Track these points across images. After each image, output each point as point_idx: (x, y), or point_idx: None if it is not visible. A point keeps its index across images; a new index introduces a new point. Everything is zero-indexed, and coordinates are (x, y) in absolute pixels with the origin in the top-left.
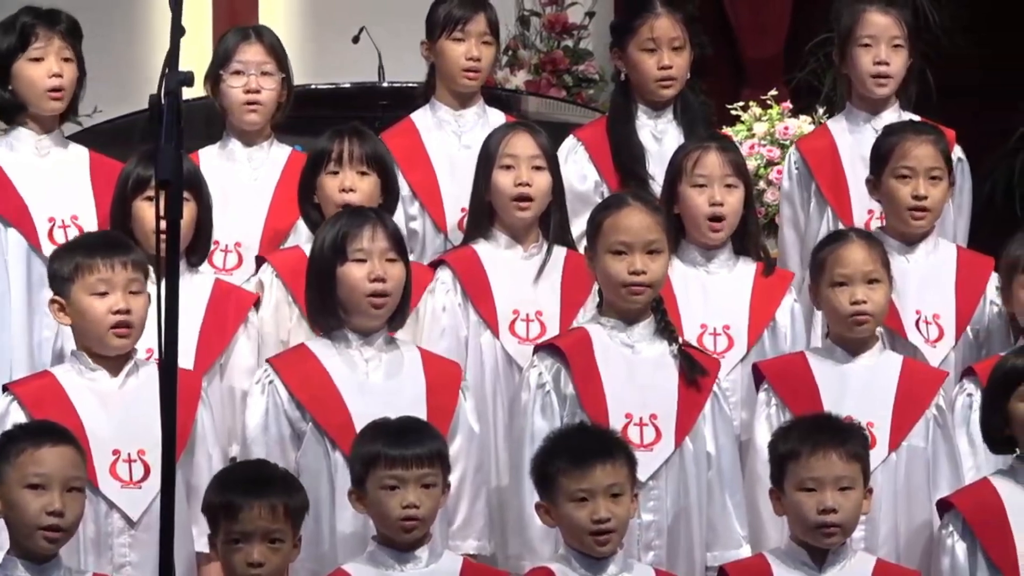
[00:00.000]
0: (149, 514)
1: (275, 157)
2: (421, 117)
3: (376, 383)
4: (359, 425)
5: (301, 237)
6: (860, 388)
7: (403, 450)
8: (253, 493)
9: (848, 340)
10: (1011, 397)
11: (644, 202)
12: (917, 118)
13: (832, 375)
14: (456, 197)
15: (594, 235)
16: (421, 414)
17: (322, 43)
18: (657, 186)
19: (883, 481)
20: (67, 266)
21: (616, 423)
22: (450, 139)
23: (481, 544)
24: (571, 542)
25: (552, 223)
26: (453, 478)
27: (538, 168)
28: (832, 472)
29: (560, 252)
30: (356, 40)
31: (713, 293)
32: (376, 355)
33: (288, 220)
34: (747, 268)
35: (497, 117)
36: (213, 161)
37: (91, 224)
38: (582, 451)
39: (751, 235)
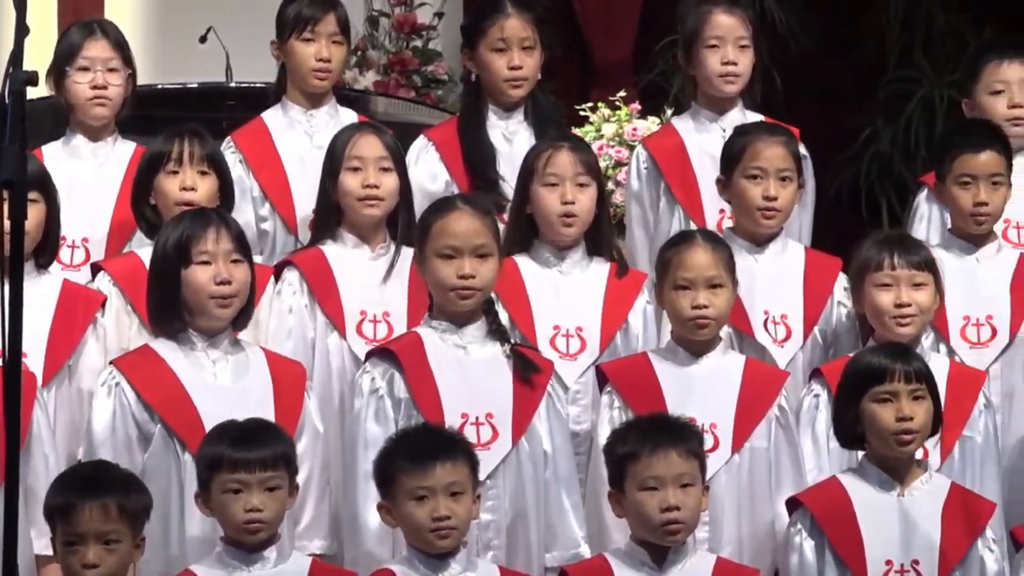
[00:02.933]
0: None
1: (120, 153)
2: (272, 117)
3: (224, 384)
4: (208, 426)
5: (132, 242)
6: (703, 389)
7: (246, 453)
8: (86, 494)
9: (691, 341)
10: (863, 396)
11: (472, 205)
12: (762, 118)
13: (675, 376)
14: (307, 197)
15: (423, 238)
16: (269, 415)
17: (169, 42)
18: (508, 186)
19: (726, 482)
20: None
21: (452, 423)
22: (301, 139)
23: (327, 544)
24: (412, 541)
25: (400, 224)
26: (299, 478)
27: (385, 169)
28: (673, 470)
29: (408, 253)
30: (203, 40)
31: (566, 294)
32: (223, 356)
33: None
34: (600, 269)
35: (349, 117)
36: (57, 157)
37: None
38: (422, 450)
39: (604, 235)
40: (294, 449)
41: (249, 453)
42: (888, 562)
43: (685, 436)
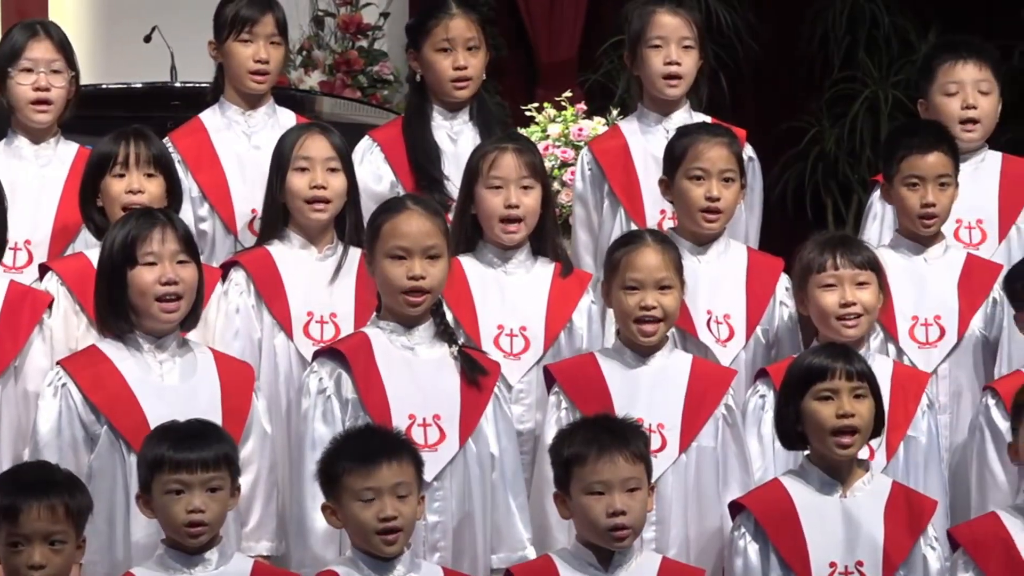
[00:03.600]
0: None
1: (63, 154)
2: (210, 117)
3: (172, 385)
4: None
5: (79, 243)
6: (650, 389)
7: (188, 454)
8: (32, 494)
9: (637, 342)
10: (806, 396)
11: (423, 206)
12: (709, 119)
13: (622, 377)
14: (246, 198)
15: (373, 239)
16: (216, 416)
17: (114, 42)
18: (452, 187)
19: (673, 482)
20: None
21: (399, 424)
22: (240, 140)
23: (274, 545)
24: (358, 543)
25: (347, 224)
26: (246, 480)
27: (333, 170)
28: (619, 475)
29: (355, 253)
30: (148, 39)
31: (510, 294)
32: (170, 358)
33: (77, 217)
34: (545, 269)
35: (288, 117)
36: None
37: None
38: (368, 451)
39: (548, 236)
40: (235, 450)
41: (191, 454)
42: (832, 564)
43: (631, 439)
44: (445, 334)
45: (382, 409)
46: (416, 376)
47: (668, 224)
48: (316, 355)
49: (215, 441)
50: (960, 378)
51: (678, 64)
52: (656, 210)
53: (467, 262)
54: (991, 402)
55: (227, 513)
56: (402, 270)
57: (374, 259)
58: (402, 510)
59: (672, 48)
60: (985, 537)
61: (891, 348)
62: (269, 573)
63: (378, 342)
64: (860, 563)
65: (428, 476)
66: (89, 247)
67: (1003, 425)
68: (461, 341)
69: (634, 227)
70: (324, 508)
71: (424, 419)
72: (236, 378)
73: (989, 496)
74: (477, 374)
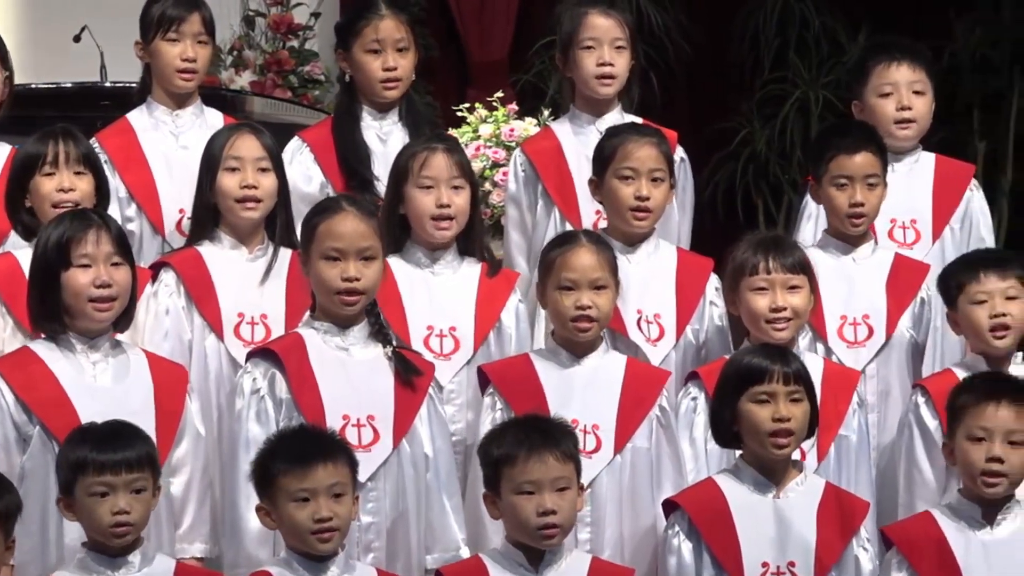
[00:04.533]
0: None
1: None
2: (137, 117)
3: (104, 386)
4: None
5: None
6: (584, 390)
7: (112, 455)
8: None
9: (572, 342)
10: (741, 396)
11: (358, 207)
12: (640, 120)
13: (557, 377)
14: (174, 198)
15: (308, 239)
16: (150, 417)
17: (43, 42)
18: (382, 187)
19: (608, 483)
20: None
21: (333, 425)
22: (167, 140)
23: (208, 547)
24: (292, 543)
25: (278, 225)
26: (180, 481)
27: (264, 170)
28: (549, 474)
29: (286, 254)
30: (78, 39)
31: (439, 294)
32: (103, 358)
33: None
34: (472, 269)
35: (215, 118)
36: None
37: None
38: (303, 451)
39: (476, 236)
40: (156, 450)
41: (115, 455)
42: (764, 564)
43: (561, 439)
44: (380, 335)
45: (316, 409)
46: (350, 377)
47: (603, 224)
48: (250, 355)
49: (137, 441)
50: (888, 377)
51: (611, 65)
52: (591, 210)
53: (395, 263)
54: (920, 400)
55: (150, 513)
56: (337, 271)
57: (309, 260)
58: (337, 511)
59: (605, 49)
60: (919, 537)
61: (820, 347)
62: (193, 574)
63: (312, 343)
64: (792, 564)
65: (362, 477)
66: (20, 247)
67: (932, 423)
68: (395, 342)
69: (569, 228)
70: (258, 509)
71: (358, 420)
72: (169, 379)
73: (917, 494)
74: (411, 375)
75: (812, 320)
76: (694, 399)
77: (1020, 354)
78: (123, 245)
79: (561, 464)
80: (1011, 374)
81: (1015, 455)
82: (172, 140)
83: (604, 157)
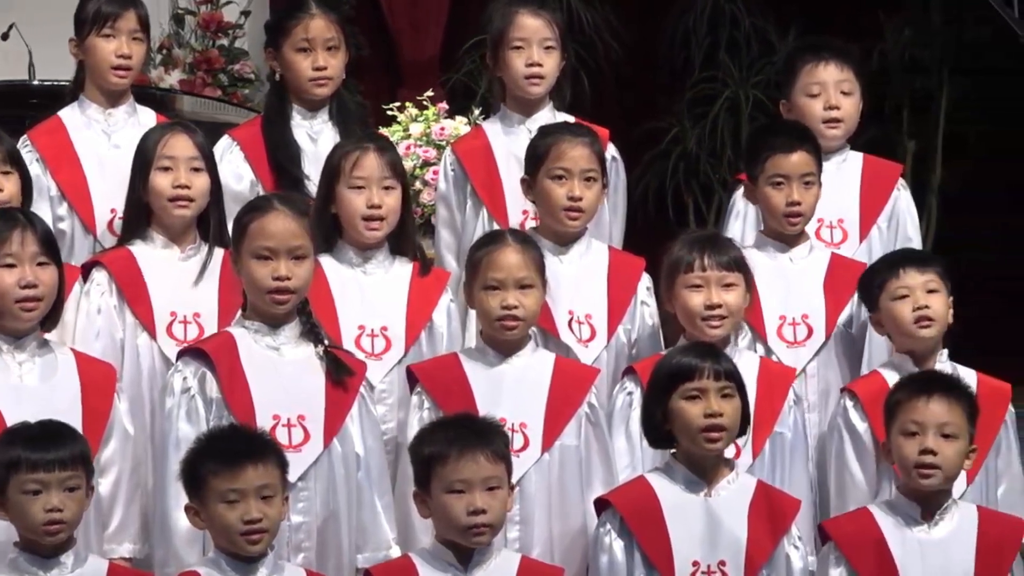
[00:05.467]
0: None
1: None
2: (69, 115)
3: (31, 386)
4: None
5: None
6: (513, 389)
7: (44, 454)
8: None
9: (500, 341)
10: (672, 393)
11: (289, 206)
12: (571, 119)
13: (485, 376)
14: (106, 197)
15: (239, 238)
16: (77, 417)
17: None
18: (312, 186)
19: (537, 481)
20: None
21: (264, 424)
22: (100, 138)
23: (136, 547)
24: (221, 544)
25: (210, 224)
26: (108, 481)
27: (196, 169)
28: (480, 473)
29: (219, 253)
30: (5, 37)
31: (370, 294)
32: (29, 358)
33: None
34: (403, 268)
35: (148, 116)
36: None
37: None
38: (232, 452)
39: (407, 235)
40: (89, 449)
41: (47, 453)
42: (695, 563)
43: (493, 438)
44: (311, 334)
45: (246, 409)
46: (281, 376)
47: (531, 224)
48: (180, 354)
49: (70, 440)
50: (828, 376)
51: (539, 65)
52: (518, 210)
53: (326, 262)
54: (849, 404)
55: (83, 513)
56: (268, 270)
57: (240, 258)
58: (267, 511)
59: (534, 49)
60: (856, 532)
61: (759, 348)
62: (125, 575)
63: (243, 342)
64: (723, 562)
65: (292, 476)
66: None
67: (861, 426)
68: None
69: (497, 227)
70: (187, 509)
71: (289, 419)
72: (97, 378)
73: (848, 497)
74: (343, 374)
75: (752, 321)
76: (630, 394)
77: (946, 351)
78: (49, 245)
79: (492, 464)
80: (942, 371)
81: (948, 448)
82: (104, 139)
83: (537, 157)
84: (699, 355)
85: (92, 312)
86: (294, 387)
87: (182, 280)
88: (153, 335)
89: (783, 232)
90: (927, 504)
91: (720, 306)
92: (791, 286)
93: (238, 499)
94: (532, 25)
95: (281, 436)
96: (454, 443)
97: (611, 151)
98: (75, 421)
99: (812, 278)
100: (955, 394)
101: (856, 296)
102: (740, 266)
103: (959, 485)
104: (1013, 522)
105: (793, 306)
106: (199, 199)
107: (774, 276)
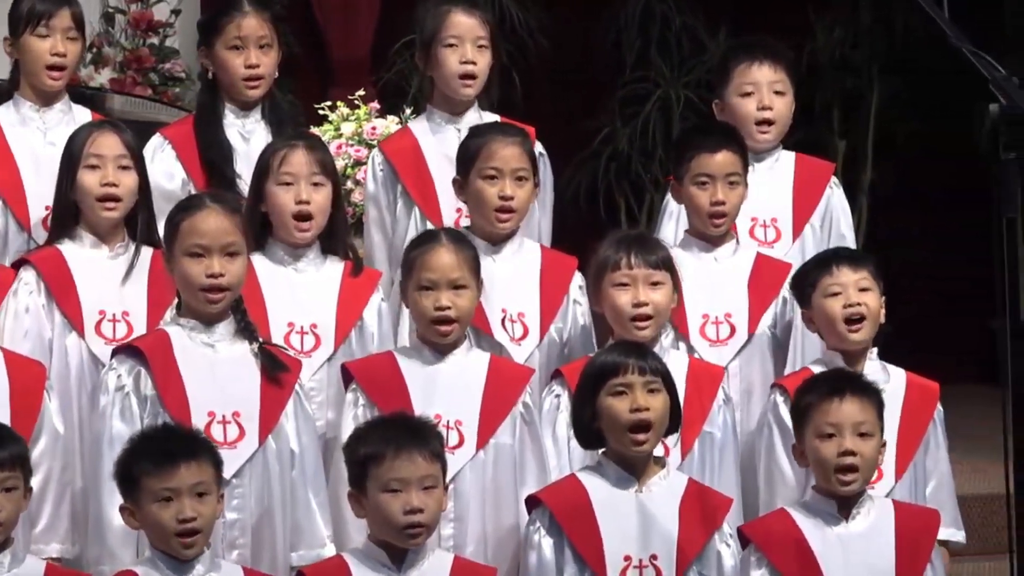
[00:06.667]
0: None
1: None
2: (4, 114)
3: None
4: None
5: None
6: (448, 387)
7: None
8: None
9: (435, 341)
10: (600, 392)
11: (222, 203)
12: (499, 118)
13: (421, 375)
14: (41, 195)
15: (171, 237)
16: (5, 416)
17: None
18: (245, 185)
19: (471, 479)
20: None
21: (199, 422)
22: (35, 136)
23: (65, 547)
24: (157, 544)
25: (139, 223)
26: (37, 480)
27: (124, 168)
28: (417, 473)
29: (147, 252)
30: None
31: (300, 292)
32: None
33: None
34: (335, 267)
35: (83, 115)
36: None
37: None
38: (166, 451)
39: (339, 234)
40: (28, 450)
41: None
42: (626, 558)
43: (429, 438)
44: (246, 331)
45: (181, 406)
46: (216, 373)
47: (464, 223)
48: (115, 352)
49: (8, 440)
50: (751, 375)
51: (473, 64)
52: (452, 209)
53: (257, 260)
54: (779, 399)
55: (20, 514)
56: (201, 268)
57: (173, 257)
58: (201, 510)
59: (467, 48)
60: (775, 533)
61: (682, 346)
62: (62, 575)
63: (178, 340)
64: (654, 556)
65: (227, 474)
66: None
67: (791, 422)
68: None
69: (431, 227)
70: (122, 509)
71: (224, 416)
72: (26, 377)
73: (778, 492)
74: (278, 371)
75: (674, 318)
76: (557, 396)
77: (875, 350)
78: None
79: (428, 463)
80: (850, 370)
81: (865, 446)
82: (40, 137)
83: (468, 157)
84: (625, 352)
85: (20, 312)
86: (229, 384)
87: (111, 279)
88: (82, 334)
89: (707, 232)
90: (844, 501)
91: (647, 304)
92: (715, 285)
93: (172, 498)
94: (466, 23)
95: (216, 433)
96: (390, 443)
97: (537, 147)
98: (3, 420)
99: (736, 277)
100: (866, 392)
101: (781, 295)
102: (667, 265)
103: (887, 483)
104: (928, 514)
105: (716, 305)
106: (127, 198)
107: (699, 275)
